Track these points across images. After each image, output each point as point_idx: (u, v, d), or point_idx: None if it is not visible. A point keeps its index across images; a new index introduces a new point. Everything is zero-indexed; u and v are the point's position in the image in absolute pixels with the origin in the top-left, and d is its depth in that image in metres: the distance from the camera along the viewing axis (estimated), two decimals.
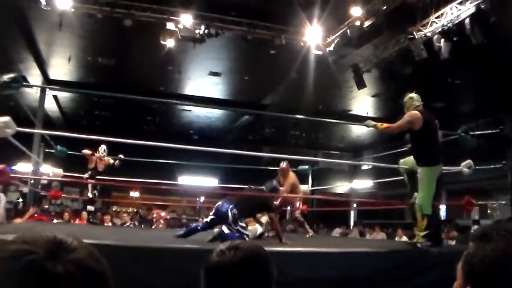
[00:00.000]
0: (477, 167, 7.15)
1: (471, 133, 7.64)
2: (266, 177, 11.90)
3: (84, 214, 11.87)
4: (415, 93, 6.58)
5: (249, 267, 1.49)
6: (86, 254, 0.85)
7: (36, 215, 11.64)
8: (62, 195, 13.70)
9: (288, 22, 11.26)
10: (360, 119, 16.52)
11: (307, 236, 8.79)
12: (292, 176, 9.00)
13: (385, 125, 6.28)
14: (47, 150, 12.11)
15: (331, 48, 11.66)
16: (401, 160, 6.77)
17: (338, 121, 13.21)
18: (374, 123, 6.40)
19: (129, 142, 6.16)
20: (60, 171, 10.33)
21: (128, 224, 13.72)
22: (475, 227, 13.00)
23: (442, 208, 20.74)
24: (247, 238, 6.02)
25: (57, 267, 0.79)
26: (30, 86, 11.48)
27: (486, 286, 1.14)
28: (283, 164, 9.04)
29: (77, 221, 11.99)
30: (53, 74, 14.71)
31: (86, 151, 10.45)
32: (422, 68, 10.92)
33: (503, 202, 15.60)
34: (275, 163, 14.23)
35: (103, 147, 10.50)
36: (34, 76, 14.02)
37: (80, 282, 0.81)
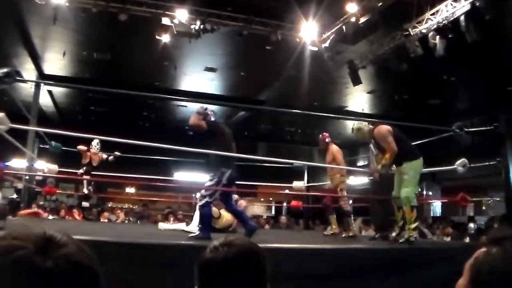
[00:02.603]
0: (471, 164, 7.17)
1: (466, 129, 7.65)
2: (262, 173, 11.91)
3: (75, 210, 11.84)
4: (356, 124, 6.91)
5: (243, 263, 1.49)
6: (76, 249, 0.85)
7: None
8: (57, 191, 13.67)
9: (284, 18, 11.25)
10: (355, 116, 16.60)
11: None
12: (331, 151, 8.34)
13: (387, 157, 6.27)
14: (41, 146, 12.08)
15: (326, 44, 11.66)
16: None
17: (334, 115, 13.20)
18: (380, 167, 6.40)
19: (124, 141, 6.16)
20: (55, 167, 10.31)
21: (120, 220, 13.69)
22: (471, 224, 13.05)
23: (438, 205, 20.86)
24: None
25: (47, 262, 0.79)
26: (24, 81, 11.43)
27: None
28: (320, 136, 8.53)
29: (69, 217, 11.96)
30: (48, 69, 14.65)
31: (81, 147, 10.45)
32: (417, 65, 10.93)
33: (498, 199, 15.65)
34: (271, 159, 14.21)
35: (96, 141, 10.50)
36: (28, 71, 13.95)
37: (70, 277, 0.81)
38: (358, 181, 20.45)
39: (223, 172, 5.94)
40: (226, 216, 8.25)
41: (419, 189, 19.35)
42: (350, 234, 7.86)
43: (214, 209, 8.43)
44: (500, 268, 1.13)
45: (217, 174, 5.91)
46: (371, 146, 7.37)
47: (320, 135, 8.57)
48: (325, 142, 8.44)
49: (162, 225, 9.16)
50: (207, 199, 5.80)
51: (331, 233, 8.21)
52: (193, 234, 5.74)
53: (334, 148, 8.38)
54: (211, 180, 5.92)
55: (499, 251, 1.16)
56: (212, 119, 6.30)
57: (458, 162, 6.91)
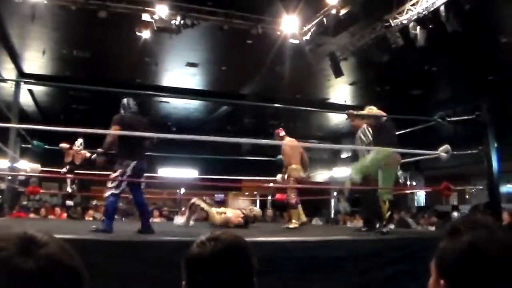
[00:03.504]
0: (454, 153, 7.22)
1: (448, 119, 7.71)
2: (246, 167, 11.92)
3: (58, 209, 11.76)
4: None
5: (230, 258, 1.49)
6: (57, 248, 0.83)
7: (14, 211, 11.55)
8: (41, 191, 13.55)
9: (264, 12, 11.24)
10: (338, 108, 16.66)
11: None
12: (285, 143, 8.76)
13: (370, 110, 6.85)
14: (23, 146, 11.96)
15: (307, 37, 11.67)
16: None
17: (316, 109, 13.18)
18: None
19: (106, 132, 6.11)
20: (37, 166, 10.22)
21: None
22: (455, 213, 13.17)
23: (421, 194, 21.03)
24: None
25: (28, 262, 0.78)
26: (4, 80, 11.34)
27: (458, 278, 1.17)
28: (276, 130, 9.00)
29: (52, 216, 11.87)
30: (28, 68, 14.50)
31: (64, 145, 10.36)
32: (398, 55, 10.99)
33: (480, 187, 15.80)
34: (255, 154, 14.24)
35: (79, 141, 10.42)
36: (7, 70, 13.82)
37: (53, 277, 0.79)
38: (344, 172, 20.59)
39: (127, 164, 5.96)
40: (218, 215, 8.30)
41: (404, 178, 19.50)
42: (291, 226, 8.00)
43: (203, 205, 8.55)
44: (459, 250, 1.16)
45: (122, 166, 5.96)
46: (361, 135, 7.40)
47: (276, 130, 9.02)
48: (279, 136, 8.87)
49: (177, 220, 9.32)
50: (112, 191, 5.87)
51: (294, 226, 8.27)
52: (94, 228, 5.78)
53: (286, 140, 8.77)
54: (115, 171, 5.99)
55: (456, 237, 1.19)
56: (122, 112, 6.44)
57: (441, 148, 6.95)
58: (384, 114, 6.78)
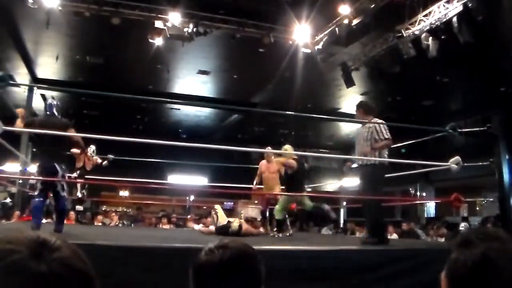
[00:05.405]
0: (465, 164, 7.18)
1: (459, 130, 7.66)
2: (255, 175, 11.94)
3: (72, 213, 11.80)
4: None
5: (238, 266, 1.49)
6: (70, 253, 0.84)
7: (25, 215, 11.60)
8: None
9: (276, 21, 11.26)
10: (349, 117, 16.63)
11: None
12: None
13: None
14: (35, 150, 12.04)
15: (319, 46, 11.67)
16: None
17: (327, 117, 13.16)
18: None
19: (118, 139, 6.14)
20: None
21: (114, 223, 13.65)
22: (464, 224, 13.08)
23: (431, 206, 20.89)
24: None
25: (41, 266, 0.79)
26: (17, 85, 11.38)
27: None
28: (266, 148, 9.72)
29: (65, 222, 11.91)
30: (41, 73, 14.61)
31: (75, 150, 10.39)
32: (410, 66, 10.97)
33: (491, 199, 15.69)
34: None
35: (92, 148, 10.45)
36: (21, 75, 13.92)
37: (65, 281, 0.80)
38: (351, 182, 20.51)
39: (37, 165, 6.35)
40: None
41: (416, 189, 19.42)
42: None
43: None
44: (472, 262, 1.15)
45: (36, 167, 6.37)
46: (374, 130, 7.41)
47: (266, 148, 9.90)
48: (269, 158, 9.79)
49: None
50: (35, 192, 6.27)
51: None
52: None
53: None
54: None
55: (467, 249, 1.18)
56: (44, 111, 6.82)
57: (452, 160, 6.89)
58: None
